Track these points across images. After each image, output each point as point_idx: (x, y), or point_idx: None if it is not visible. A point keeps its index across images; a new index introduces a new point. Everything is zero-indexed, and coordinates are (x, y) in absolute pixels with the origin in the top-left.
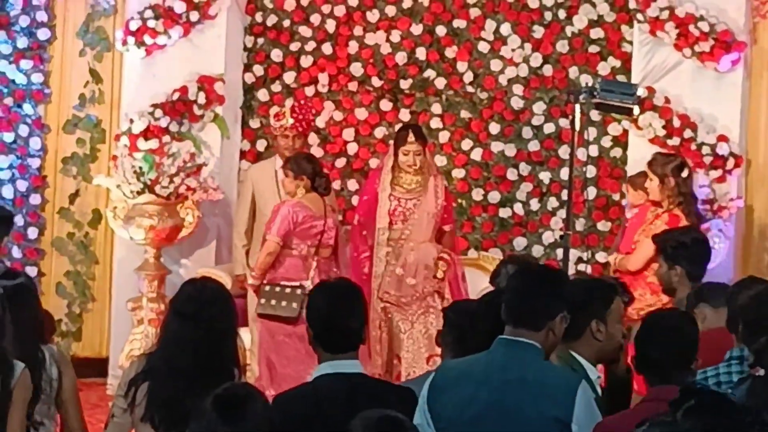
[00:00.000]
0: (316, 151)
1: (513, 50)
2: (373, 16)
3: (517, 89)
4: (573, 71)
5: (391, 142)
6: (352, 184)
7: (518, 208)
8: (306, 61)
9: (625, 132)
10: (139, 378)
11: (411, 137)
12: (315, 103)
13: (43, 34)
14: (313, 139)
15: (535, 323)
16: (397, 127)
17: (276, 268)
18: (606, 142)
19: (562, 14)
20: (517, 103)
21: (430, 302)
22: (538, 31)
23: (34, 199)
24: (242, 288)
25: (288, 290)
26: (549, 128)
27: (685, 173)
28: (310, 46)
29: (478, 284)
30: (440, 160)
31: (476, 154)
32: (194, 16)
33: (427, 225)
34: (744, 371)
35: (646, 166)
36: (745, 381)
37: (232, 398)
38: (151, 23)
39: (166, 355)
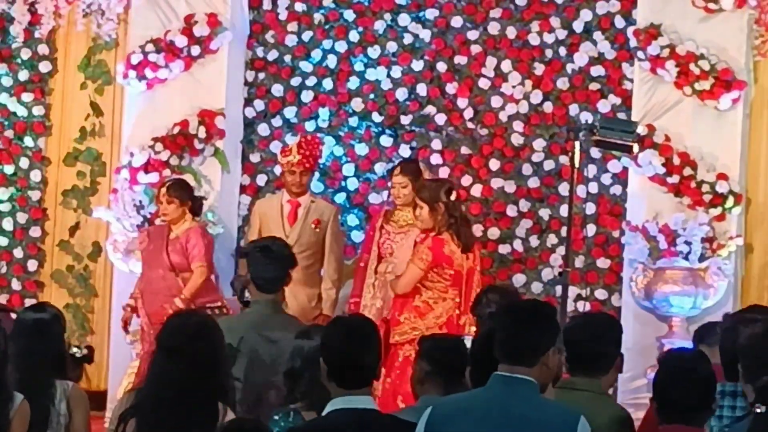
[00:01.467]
0: (316, 186)
1: (513, 87)
2: (374, 51)
3: (518, 126)
4: (573, 108)
5: None
6: (352, 219)
7: (518, 244)
8: (307, 96)
9: (625, 169)
10: (128, 413)
11: (396, 170)
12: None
13: (44, 66)
14: None
15: (530, 359)
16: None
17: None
18: (606, 179)
19: (562, 51)
20: (517, 140)
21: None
22: (539, 68)
23: (34, 232)
24: None
25: (216, 311)
26: (549, 165)
27: (453, 196)
28: (311, 81)
29: None
30: None
31: (476, 191)
32: (195, 50)
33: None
34: (737, 406)
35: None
36: (744, 418)
37: None
38: (152, 57)
39: (152, 390)
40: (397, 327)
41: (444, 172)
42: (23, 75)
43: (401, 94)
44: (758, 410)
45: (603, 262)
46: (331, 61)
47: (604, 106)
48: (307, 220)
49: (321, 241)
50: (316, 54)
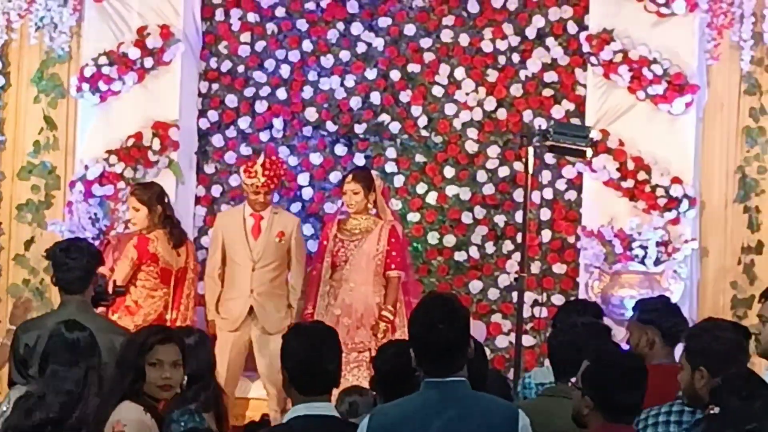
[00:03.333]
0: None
1: (467, 94)
2: (327, 60)
3: (472, 133)
4: (527, 114)
5: None
6: (308, 229)
7: (473, 251)
8: (261, 106)
9: (580, 175)
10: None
11: (349, 178)
12: (269, 148)
13: None
14: None
15: (458, 362)
16: None
17: None
18: (560, 184)
19: (515, 58)
20: (471, 147)
21: (365, 357)
22: (492, 75)
23: None
24: (212, 331)
25: None
26: (503, 171)
27: (166, 199)
28: (265, 91)
29: None
30: (395, 204)
31: (431, 198)
32: (148, 62)
33: (366, 267)
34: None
35: (128, 197)
36: (702, 421)
37: None
38: (105, 69)
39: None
40: None
41: (399, 181)
42: None
43: (355, 102)
44: (712, 411)
45: (559, 268)
46: (285, 71)
47: (557, 111)
48: (270, 233)
49: (285, 253)
50: (270, 64)
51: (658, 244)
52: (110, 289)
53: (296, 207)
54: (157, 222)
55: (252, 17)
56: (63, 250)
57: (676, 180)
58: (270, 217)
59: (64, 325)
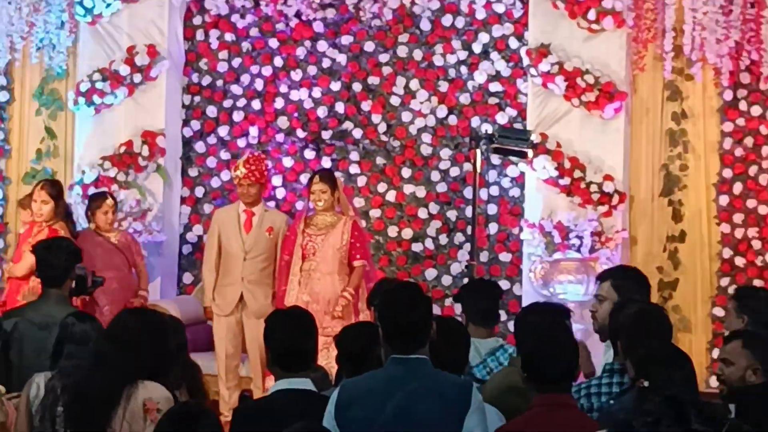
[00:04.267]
0: None
1: (421, 103)
2: (296, 75)
3: (426, 138)
4: (475, 120)
5: None
6: None
7: (429, 243)
8: (238, 116)
9: (522, 174)
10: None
11: (316, 179)
12: (246, 153)
13: (2, 96)
14: None
15: (422, 341)
16: None
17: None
18: (505, 182)
19: (464, 71)
20: (425, 150)
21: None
22: (443, 86)
23: None
24: (209, 316)
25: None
26: (454, 172)
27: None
28: (241, 102)
29: None
30: (358, 202)
31: (390, 196)
32: (137, 77)
33: (332, 258)
34: (624, 382)
35: (37, 192)
36: (627, 392)
37: (185, 415)
38: (99, 85)
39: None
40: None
41: (362, 181)
42: None
43: (322, 112)
44: (643, 384)
45: (505, 257)
46: (259, 85)
47: (501, 117)
48: (261, 227)
49: (274, 246)
50: (245, 78)
51: (592, 234)
52: (89, 282)
53: (270, 205)
54: (58, 215)
55: (229, 37)
56: (45, 248)
57: (608, 177)
58: (261, 213)
59: (74, 316)
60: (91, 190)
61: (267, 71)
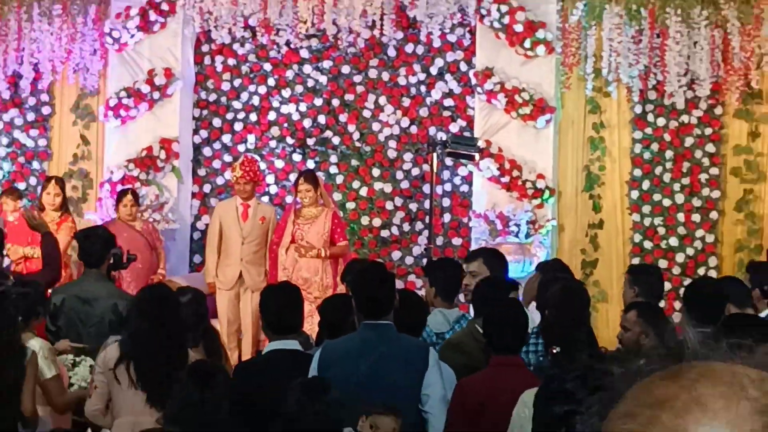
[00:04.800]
0: None
1: (388, 116)
2: (286, 92)
3: (392, 144)
4: (432, 130)
5: None
6: None
7: (394, 230)
8: (238, 126)
9: (470, 173)
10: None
11: (302, 180)
12: (244, 156)
13: (46, 110)
14: None
15: (388, 310)
16: None
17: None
18: (457, 180)
19: (423, 89)
20: (392, 154)
21: (314, 307)
22: (406, 102)
23: None
24: (212, 290)
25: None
26: (415, 172)
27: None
28: (241, 115)
29: None
30: (338, 196)
31: (363, 192)
32: (156, 95)
33: (317, 243)
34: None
35: (52, 185)
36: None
37: (202, 371)
38: (125, 101)
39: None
40: None
41: (340, 179)
42: (30, 116)
43: (307, 123)
44: (555, 350)
45: (457, 241)
46: (255, 101)
47: (454, 127)
48: (255, 217)
49: (265, 233)
50: (244, 95)
51: (527, 222)
52: (125, 259)
53: (265, 199)
54: (63, 206)
55: (231, 62)
56: (85, 235)
57: (540, 176)
58: (255, 206)
59: (148, 291)
60: (118, 188)
61: (262, 90)
